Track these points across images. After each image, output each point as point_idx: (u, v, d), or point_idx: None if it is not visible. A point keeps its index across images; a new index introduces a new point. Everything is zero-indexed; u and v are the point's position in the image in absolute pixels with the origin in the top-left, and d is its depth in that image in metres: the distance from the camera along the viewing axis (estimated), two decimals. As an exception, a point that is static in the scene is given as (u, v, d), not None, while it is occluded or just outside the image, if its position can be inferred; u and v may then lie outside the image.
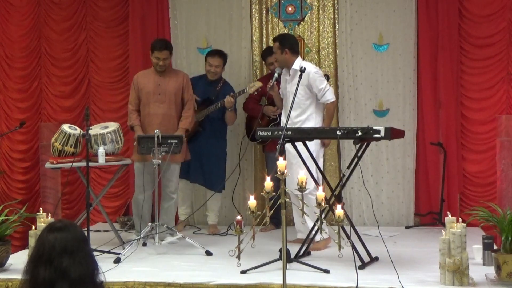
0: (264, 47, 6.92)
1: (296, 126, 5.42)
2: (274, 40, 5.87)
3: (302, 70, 5.34)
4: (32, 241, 4.74)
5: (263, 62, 6.82)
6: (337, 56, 6.81)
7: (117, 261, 5.09)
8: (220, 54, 6.40)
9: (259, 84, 6.26)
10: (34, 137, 7.18)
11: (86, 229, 5.09)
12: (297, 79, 5.25)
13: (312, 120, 5.59)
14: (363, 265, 4.79)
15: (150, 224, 5.58)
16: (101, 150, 5.58)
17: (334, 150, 6.77)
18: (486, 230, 5.46)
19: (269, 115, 6.41)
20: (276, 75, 5.62)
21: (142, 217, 5.82)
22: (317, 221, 4.66)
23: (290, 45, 5.69)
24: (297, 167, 5.03)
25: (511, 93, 6.46)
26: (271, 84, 5.65)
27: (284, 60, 5.66)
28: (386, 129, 4.74)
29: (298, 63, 5.60)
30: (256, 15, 6.97)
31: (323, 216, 4.33)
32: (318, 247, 5.41)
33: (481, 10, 6.48)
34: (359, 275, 4.39)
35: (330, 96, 5.60)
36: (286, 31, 6.89)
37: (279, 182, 3.83)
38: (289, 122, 5.46)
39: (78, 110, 7.12)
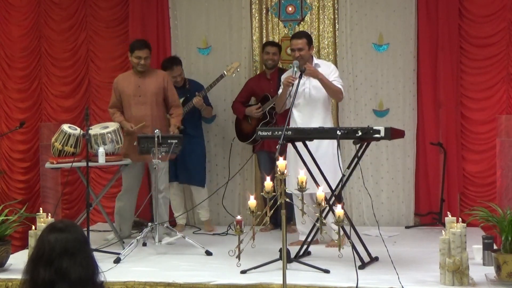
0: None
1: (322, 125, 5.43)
2: (300, 36, 5.65)
3: (302, 70, 5.37)
4: (32, 241, 4.74)
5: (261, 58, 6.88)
6: (337, 56, 6.81)
7: (117, 261, 5.10)
8: (179, 62, 6.53)
9: (236, 64, 6.43)
10: (34, 137, 7.18)
11: (86, 229, 5.09)
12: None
13: (329, 115, 5.75)
14: (363, 265, 4.79)
15: (150, 224, 5.59)
16: (101, 150, 5.59)
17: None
18: (486, 230, 5.46)
19: (252, 115, 6.42)
20: (295, 69, 5.45)
21: (124, 217, 6.04)
22: (317, 221, 4.66)
23: (312, 41, 5.77)
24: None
25: (511, 93, 6.46)
26: (297, 80, 5.33)
27: (309, 56, 5.65)
28: (386, 129, 4.74)
29: (314, 58, 5.74)
30: (256, 15, 6.97)
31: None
32: (335, 245, 5.39)
33: (481, 10, 6.48)
34: (359, 275, 4.39)
35: (342, 84, 5.68)
36: (286, 31, 6.91)
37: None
38: (321, 122, 5.51)
39: (78, 110, 7.12)
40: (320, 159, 5.23)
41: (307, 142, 5.16)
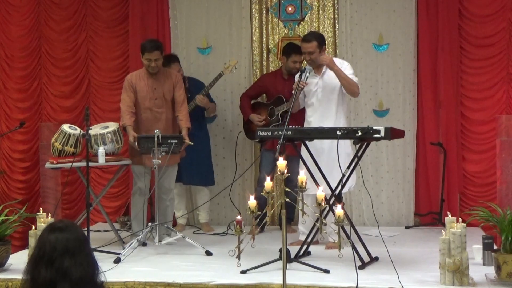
0: (264, 47, 6.93)
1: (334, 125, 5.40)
2: (310, 40, 5.52)
3: (302, 70, 5.36)
4: (32, 241, 4.74)
5: (263, 62, 6.85)
6: (337, 56, 6.79)
7: (117, 261, 5.10)
8: (176, 59, 6.46)
9: (234, 61, 6.36)
10: (34, 137, 7.18)
11: (86, 229, 5.09)
12: (332, 75, 5.45)
13: (343, 115, 5.66)
14: (363, 265, 4.79)
15: (149, 224, 5.59)
16: (101, 150, 5.59)
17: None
18: (486, 230, 5.47)
19: (254, 122, 6.40)
20: (307, 74, 5.39)
21: (139, 219, 5.84)
22: (317, 221, 4.66)
23: (324, 42, 5.67)
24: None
25: (511, 93, 6.47)
26: (304, 83, 5.36)
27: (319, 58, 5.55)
28: (386, 129, 4.74)
29: None
30: (256, 15, 6.97)
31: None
32: (334, 246, 5.38)
33: (481, 10, 6.48)
34: (359, 275, 4.39)
35: (357, 79, 5.60)
36: (286, 31, 6.91)
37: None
38: (333, 123, 5.46)
39: (78, 110, 7.12)
40: (334, 158, 5.23)
41: (323, 141, 5.18)
